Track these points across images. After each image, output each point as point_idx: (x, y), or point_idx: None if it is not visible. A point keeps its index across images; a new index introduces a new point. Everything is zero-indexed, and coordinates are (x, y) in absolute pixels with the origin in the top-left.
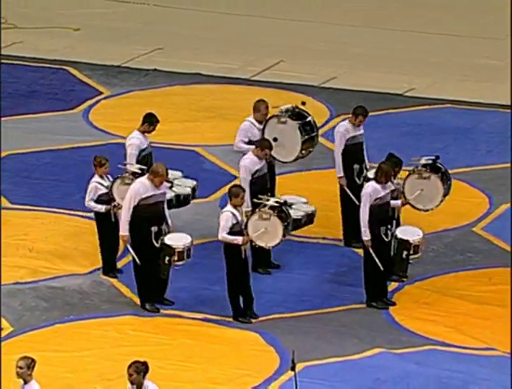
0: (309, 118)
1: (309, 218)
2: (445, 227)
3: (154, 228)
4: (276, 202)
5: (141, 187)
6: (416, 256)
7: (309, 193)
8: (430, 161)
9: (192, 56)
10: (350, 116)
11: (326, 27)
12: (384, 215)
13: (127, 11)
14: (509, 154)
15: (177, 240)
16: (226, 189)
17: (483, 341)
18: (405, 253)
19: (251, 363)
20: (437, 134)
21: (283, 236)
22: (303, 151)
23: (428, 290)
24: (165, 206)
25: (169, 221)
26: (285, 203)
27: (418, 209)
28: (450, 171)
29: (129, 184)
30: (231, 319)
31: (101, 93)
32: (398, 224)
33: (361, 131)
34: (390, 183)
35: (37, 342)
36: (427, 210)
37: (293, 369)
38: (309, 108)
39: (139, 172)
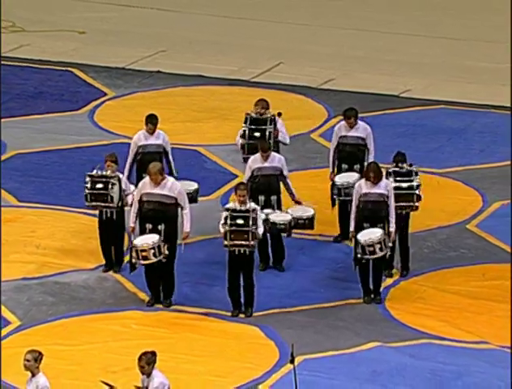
0: (263, 130)
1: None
2: (439, 224)
3: (148, 226)
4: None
5: (142, 183)
6: (365, 257)
7: (307, 191)
8: (400, 167)
9: (194, 58)
10: None
11: (325, 31)
12: (368, 212)
13: (131, 15)
14: (500, 153)
15: (140, 240)
16: (227, 187)
17: (476, 335)
18: (355, 250)
19: (251, 356)
20: (431, 134)
21: (227, 239)
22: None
23: (423, 285)
24: (169, 207)
25: (186, 223)
26: (246, 210)
27: None
28: (444, 170)
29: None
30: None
31: (106, 94)
32: (407, 222)
33: (356, 133)
34: (384, 183)
35: (44, 336)
36: None
37: (292, 361)
38: (308, 109)
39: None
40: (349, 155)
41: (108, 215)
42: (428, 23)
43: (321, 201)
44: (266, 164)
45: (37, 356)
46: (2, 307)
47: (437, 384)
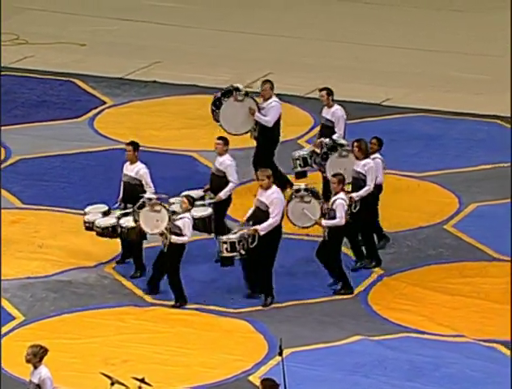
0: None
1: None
2: (419, 225)
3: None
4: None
5: None
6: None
7: None
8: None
9: (188, 69)
10: None
11: (311, 43)
12: (351, 186)
13: (128, 28)
14: (474, 158)
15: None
16: None
17: (452, 329)
18: None
19: (242, 349)
20: (410, 140)
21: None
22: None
23: (404, 282)
24: (265, 214)
25: (265, 225)
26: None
27: None
28: (422, 174)
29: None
30: (224, 309)
31: (105, 103)
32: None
33: (327, 116)
34: (364, 162)
35: (47, 330)
36: None
37: (281, 354)
38: (294, 116)
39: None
40: (320, 133)
41: None
42: (407, 36)
43: None
44: (215, 164)
45: (37, 352)
46: (7, 303)
47: (416, 375)
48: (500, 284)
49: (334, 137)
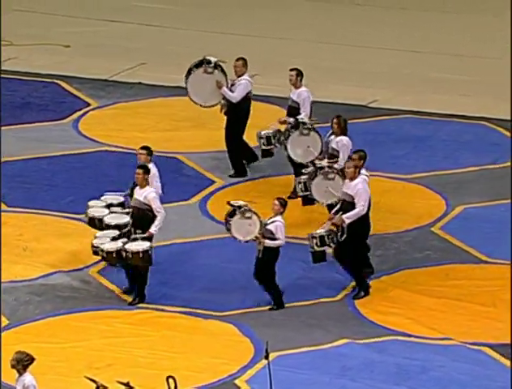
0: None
1: None
2: (406, 227)
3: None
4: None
5: None
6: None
7: (279, 195)
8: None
9: (173, 70)
10: None
11: (299, 44)
12: None
13: (113, 30)
14: (462, 160)
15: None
16: (205, 192)
17: (440, 331)
18: None
19: (228, 352)
20: (398, 142)
21: None
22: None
23: (391, 285)
24: (350, 205)
25: (351, 215)
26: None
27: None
28: (409, 176)
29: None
30: (209, 312)
31: (90, 105)
32: None
33: (293, 97)
34: (338, 139)
35: (31, 334)
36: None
37: (267, 358)
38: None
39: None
40: (287, 114)
41: None
42: (395, 37)
43: (291, 206)
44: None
45: (21, 359)
46: None
47: (403, 378)
48: (487, 287)
49: (299, 117)
